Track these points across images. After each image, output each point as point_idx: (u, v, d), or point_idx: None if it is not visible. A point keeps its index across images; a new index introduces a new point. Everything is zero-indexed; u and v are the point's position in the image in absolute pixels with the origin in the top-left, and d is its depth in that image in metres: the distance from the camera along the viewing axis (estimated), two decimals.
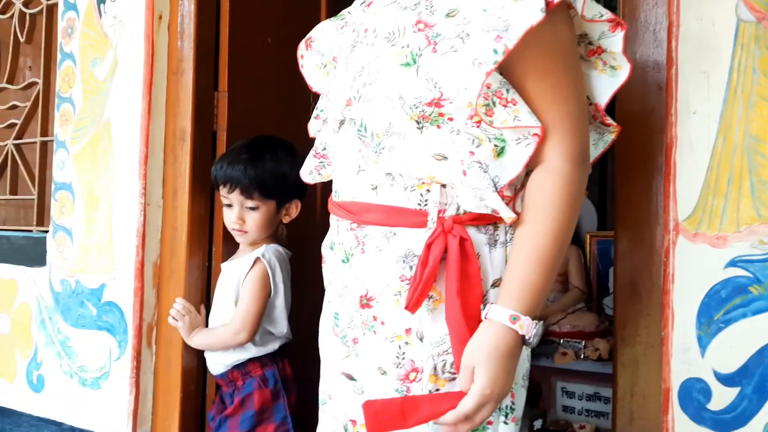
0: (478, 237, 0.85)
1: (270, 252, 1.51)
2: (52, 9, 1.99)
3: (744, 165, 0.97)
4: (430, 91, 0.82)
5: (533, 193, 0.83)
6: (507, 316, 0.79)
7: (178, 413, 1.62)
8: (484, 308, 0.83)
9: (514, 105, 0.81)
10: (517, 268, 0.81)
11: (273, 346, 1.53)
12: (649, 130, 1.09)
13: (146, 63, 1.64)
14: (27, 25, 2.08)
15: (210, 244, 1.69)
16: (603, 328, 2.67)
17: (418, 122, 0.84)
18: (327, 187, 1.04)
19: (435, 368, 0.84)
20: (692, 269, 1.01)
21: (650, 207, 1.08)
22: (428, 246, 0.84)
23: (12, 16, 2.11)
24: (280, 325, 1.53)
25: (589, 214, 3.37)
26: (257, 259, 1.49)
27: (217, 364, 1.53)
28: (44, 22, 2.01)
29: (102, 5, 1.73)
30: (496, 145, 0.82)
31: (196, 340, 1.54)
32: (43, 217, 1.98)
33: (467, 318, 0.80)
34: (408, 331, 0.86)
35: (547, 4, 0.77)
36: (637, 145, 1.10)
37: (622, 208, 1.12)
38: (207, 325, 1.58)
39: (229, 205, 1.51)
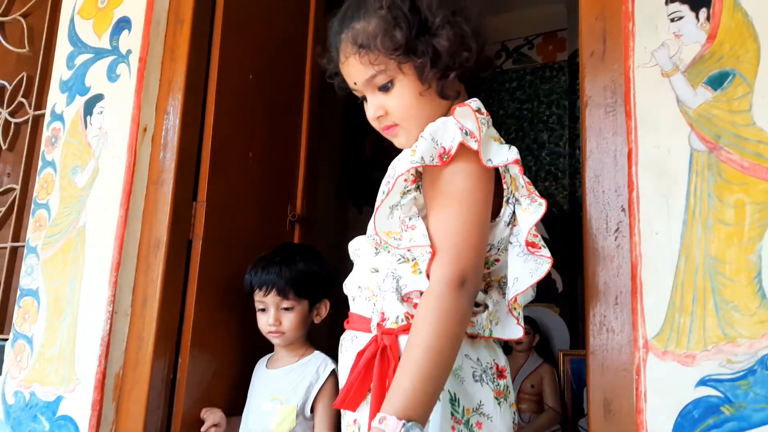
0: None
1: (331, 363, 1.61)
2: (37, 119, 2.05)
3: (707, 285, 1.00)
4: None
5: (417, 310, 0.95)
6: (377, 418, 0.86)
7: None
8: None
9: (413, 230, 1.00)
10: (396, 374, 0.91)
11: None
12: (615, 248, 1.13)
13: (127, 172, 1.67)
14: (11, 134, 2.12)
15: (176, 356, 1.64)
16: None
17: (375, 249, 1.08)
18: None
19: None
20: (664, 388, 1.01)
21: (620, 324, 1.09)
22: (359, 354, 1.02)
23: None
24: None
25: (562, 332, 3.37)
26: (333, 372, 1.59)
27: None
28: (28, 131, 2.06)
29: (88, 117, 1.79)
30: (418, 264, 1.00)
31: None
32: (3, 325, 1.92)
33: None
34: (355, 421, 1.03)
35: (442, 156, 0.97)
36: (604, 262, 1.13)
37: (591, 326, 1.13)
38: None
39: (263, 309, 1.62)
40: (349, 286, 1.13)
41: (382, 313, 1.02)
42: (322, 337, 1.73)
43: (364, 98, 1.10)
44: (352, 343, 1.08)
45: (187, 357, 1.63)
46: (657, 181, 1.08)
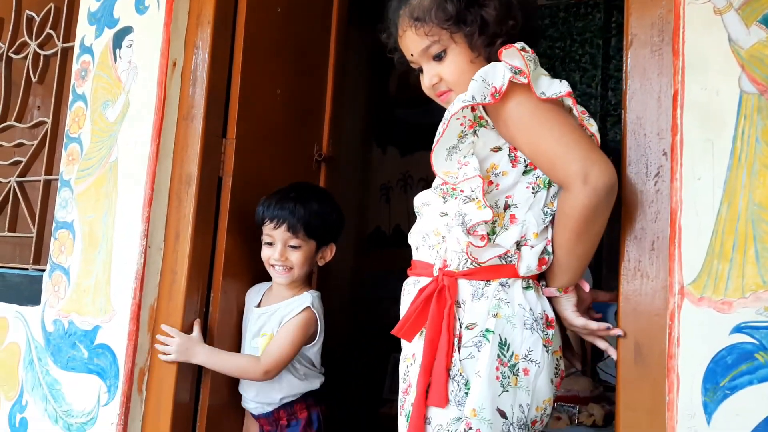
0: (467, 288, 1.10)
1: (317, 301, 1.62)
2: (66, 51, 2.03)
3: (748, 232, 0.98)
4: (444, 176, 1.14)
5: (557, 217, 1.10)
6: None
7: None
8: (457, 342, 1.07)
9: (466, 166, 1.09)
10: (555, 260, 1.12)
11: (316, 383, 1.65)
12: (654, 193, 1.10)
13: (157, 108, 1.67)
14: (40, 66, 2.12)
15: (208, 290, 1.68)
16: (597, 393, 2.63)
17: (443, 198, 1.15)
18: None
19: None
20: (697, 334, 1.01)
21: (655, 269, 1.08)
22: (420, 291, 1.12)
23: (26, 57, 2.15)
24: (318, 362, 1.66)
25: (585, 276, 3.37)
26: (307, 308, 1.59)
27: (262, 404, 1.61)
28: (57, 64, 2.05)
29: (118, 50, 1.77)
30: (481, 201, 1.07)
31: (206, 359, 1.57)
32: (40, 256, 1.97)
33: (431, 344, 1.07)
34: (414, 355, 1.13)
35: (494, 94, 1.04)
36: (642, 207, 1.11)
37: (625, 271, 1.12)
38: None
39: (270, 243, 1.62)
40: (414, 236, 1.21)
41: (444, 260, 1.12)
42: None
43: (420, 70, 1.20)
44: (414, 287, 1.16)
45: (219, 290, 1.67)
46: (702, 125, 1.04)
